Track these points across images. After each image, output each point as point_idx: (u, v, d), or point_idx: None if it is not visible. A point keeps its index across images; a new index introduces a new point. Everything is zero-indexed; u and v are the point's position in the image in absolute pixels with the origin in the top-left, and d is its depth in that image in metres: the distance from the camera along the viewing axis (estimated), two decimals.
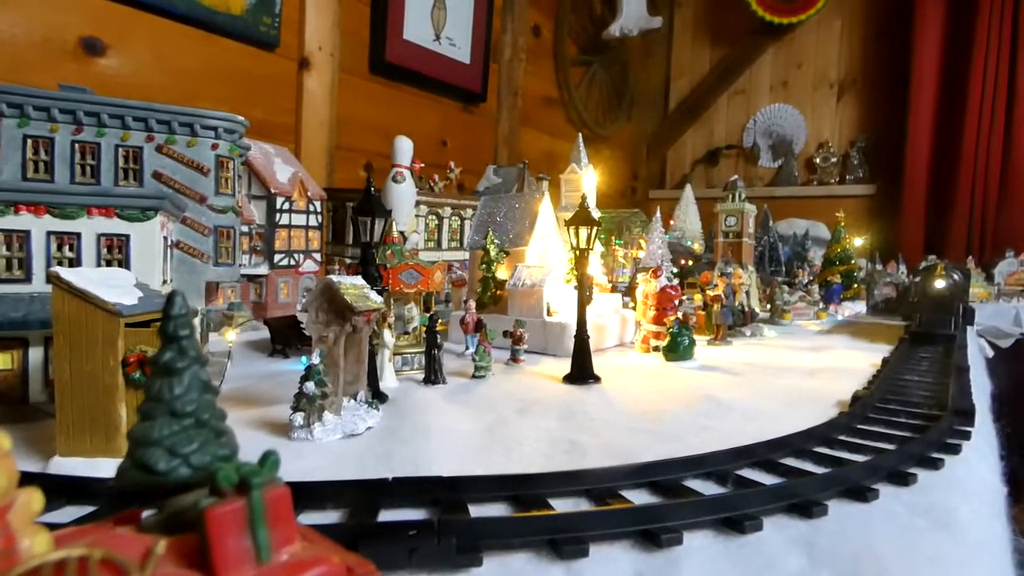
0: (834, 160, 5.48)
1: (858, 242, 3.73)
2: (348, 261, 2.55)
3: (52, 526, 0.43)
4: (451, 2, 3.81)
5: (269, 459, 0.45)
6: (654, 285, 2.14)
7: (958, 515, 0.90)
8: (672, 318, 2.02)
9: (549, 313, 2.07)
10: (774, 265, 3.65)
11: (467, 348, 1.94)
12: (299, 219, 2.44)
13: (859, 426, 1.24)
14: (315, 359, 1.14)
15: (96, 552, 0.38)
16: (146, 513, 0.47)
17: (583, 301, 1.68)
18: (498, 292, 2.19)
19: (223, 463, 0.45)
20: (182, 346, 0.49)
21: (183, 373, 0.49)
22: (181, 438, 0.47)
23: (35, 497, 0.41)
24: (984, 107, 4.57)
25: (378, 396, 1.37)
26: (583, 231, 1.65)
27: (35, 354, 1.18)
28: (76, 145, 1.37)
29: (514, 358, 1.86)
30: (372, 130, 3.38)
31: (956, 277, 2.24)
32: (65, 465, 0.94)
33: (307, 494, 0.82)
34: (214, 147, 1.50)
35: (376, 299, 1.28)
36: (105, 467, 0.92)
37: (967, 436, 1.22)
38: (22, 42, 2.17)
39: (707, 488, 0.93)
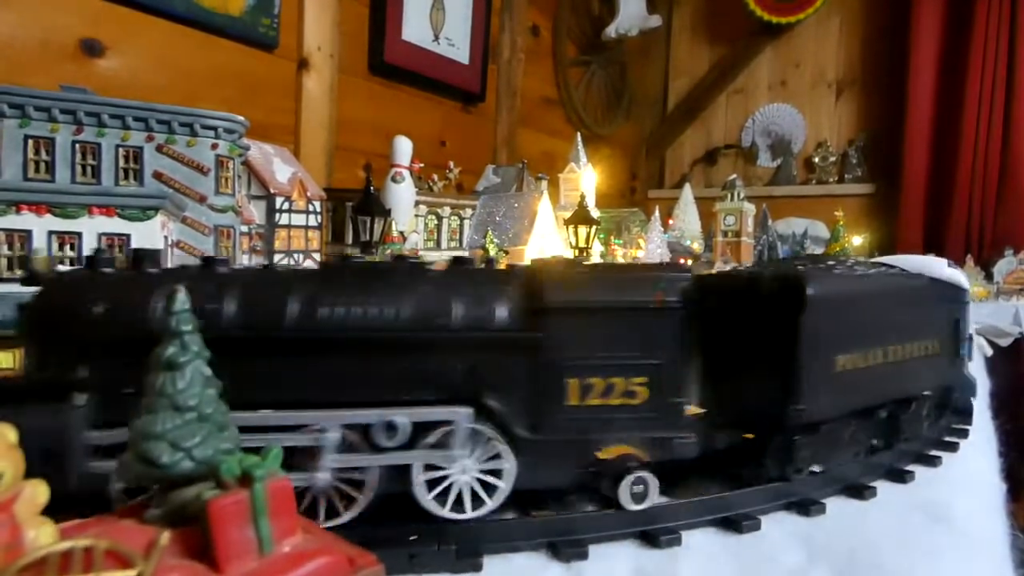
0: (833, 159, 5.48)
1: (857, 241, 3.73)
2: None
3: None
4: (450, 3, 3.82)
5: (271, 452, 0.45)
6: None
7: (956, 511, 0.91)
8: None
9: None
10: None
11: None
12: (299, 219, 2.44)
13: None
14: None
15: (101, 543, 0.38)
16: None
17: None
18: None
19: (226, 456, 0.46)
20: (184, 341, 0.49)
21: (185, 368, 0.49)
22: (184, 432, 0.47)
23: (40, 489, 0.41)
24: (982, 105, 4.57)
25: None
26: (582, 230, 1.66)
27: None
28: (77, 145, 1.37)
29: None
30: (371, 130, 3.38)
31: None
32: None
33: None
34: (214, 147, 1.51)
35: None
36: None
37: (965, 434, 1.23)
38: (21, 44, 2.17)
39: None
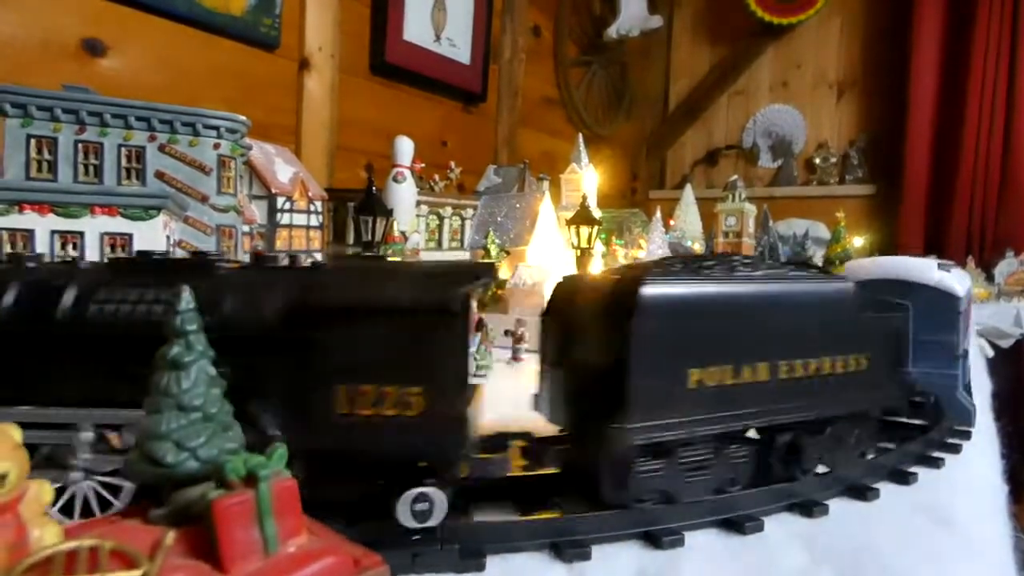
0: (833, 160, 5.48)
1: (858, 242, 3.73)
2: None
3: None
4: (451, 3, 3.82)
5: (276, 452, 0.45)
6: None
7: (958, 513, 0.91)
8: None
9: None
10: None
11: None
12: (300, 219, 2.44)
13: None
14: None
15: (107, 543, 0.38)
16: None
17: None
18: (499, 291, 2.19)
19: (231, 456, 0.46)
20: (189, 341, 0.49)
21: (190, 367, 0.49)
22: (189, 432, 0.47)
23: (45, 489, 0.41)
24: (984, 106, 4.57)
25: None
26: (584, 230, 1.66)
27: None
28: (79, 145, 1.38)
29: (515, 357, 1.86)
30: (373, 130, 3.38)
31: None
32: None
33: None
34: (216, 147, 1.51)
35: None
36: None
37: (968, 436, 1.23)
38: (23, 44, 2.17)
39: None
